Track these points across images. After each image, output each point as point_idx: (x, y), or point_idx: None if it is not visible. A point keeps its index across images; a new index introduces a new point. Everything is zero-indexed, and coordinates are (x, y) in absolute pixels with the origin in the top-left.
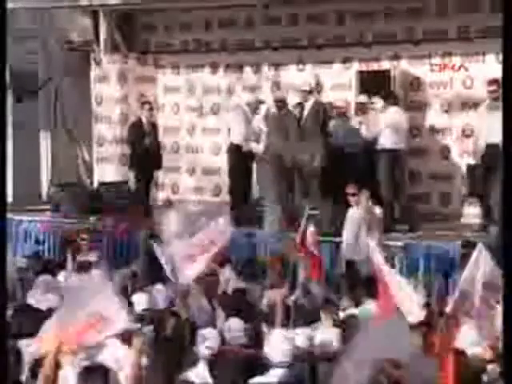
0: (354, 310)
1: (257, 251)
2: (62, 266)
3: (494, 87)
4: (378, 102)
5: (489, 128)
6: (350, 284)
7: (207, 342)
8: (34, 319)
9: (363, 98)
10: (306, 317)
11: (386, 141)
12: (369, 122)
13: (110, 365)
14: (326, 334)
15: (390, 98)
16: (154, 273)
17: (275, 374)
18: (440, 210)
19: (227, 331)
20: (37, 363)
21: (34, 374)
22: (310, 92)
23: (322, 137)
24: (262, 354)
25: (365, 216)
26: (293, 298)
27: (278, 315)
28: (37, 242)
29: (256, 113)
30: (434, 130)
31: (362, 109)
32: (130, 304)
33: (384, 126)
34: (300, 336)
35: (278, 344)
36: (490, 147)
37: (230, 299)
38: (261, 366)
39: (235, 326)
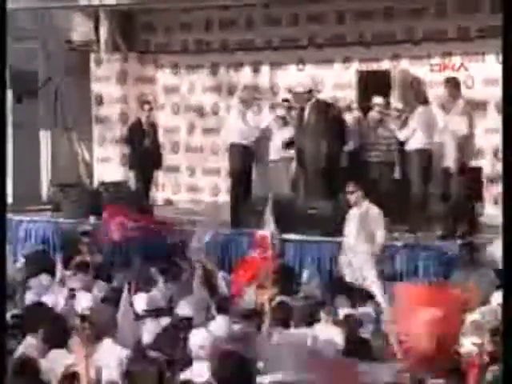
0: (353, 310)
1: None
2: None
3: (451, 87)
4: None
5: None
6: (350, 284)
7: (200, 341)
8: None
9: (379, 100)
10: (306, 317)
11: (418, 141)
12: (400, 123)
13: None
14: (327, 333)
15: (420, 97)
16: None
17: None
18: (440, 209)
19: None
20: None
21: None
22: (310, 92)
23: (323, 136)
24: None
25: (363, 216)
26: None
27: (267, 315)
28: (37, 242)
29: (251, 109)
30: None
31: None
32: (131, 305)
33: (416, 125)
34: (306, 336)
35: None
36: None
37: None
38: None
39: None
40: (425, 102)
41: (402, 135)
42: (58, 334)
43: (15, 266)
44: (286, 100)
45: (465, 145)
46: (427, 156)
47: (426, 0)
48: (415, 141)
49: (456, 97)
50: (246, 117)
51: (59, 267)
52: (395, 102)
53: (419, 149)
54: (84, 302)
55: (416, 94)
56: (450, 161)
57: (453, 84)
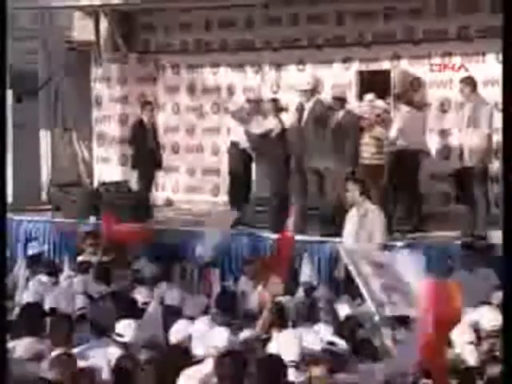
0: (353, 310)
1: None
2: (61, 266)
3: (469, 86)
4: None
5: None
6: (350, 284)
7: (213, 341)
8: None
9: (370, 97)
10: (306, 317)
11: (406, 141)
12: (391, 123)
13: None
14: (329, 334)
15: (403, 98)
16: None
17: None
18: (440, 209)
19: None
20: None
21: None
22: (312, 91)
23: (323, 136)
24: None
25: (362, 216)
26: (288, 298)
27: (265, 315)
28: (37, 242)
29: (257, 113)
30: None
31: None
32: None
33: (403, 126)
34: (309, 336)
35: (288, 344)
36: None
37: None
38: None
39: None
40: (422, 102)
41: (390, 135)
42: (63, 334)
43: (15, 266)
44: (274, 100)
45: (486, 145)
46: (416, 156)
47: (426, 0)
48: (403, 141)
49: (473, 96)
50: (252, 123)
51: (66, 267)
52: (395, 102)
53: (408, 149)
54: (85, 302)
55: (412, 95)
56: (470, 161)
57: (468, 83)
